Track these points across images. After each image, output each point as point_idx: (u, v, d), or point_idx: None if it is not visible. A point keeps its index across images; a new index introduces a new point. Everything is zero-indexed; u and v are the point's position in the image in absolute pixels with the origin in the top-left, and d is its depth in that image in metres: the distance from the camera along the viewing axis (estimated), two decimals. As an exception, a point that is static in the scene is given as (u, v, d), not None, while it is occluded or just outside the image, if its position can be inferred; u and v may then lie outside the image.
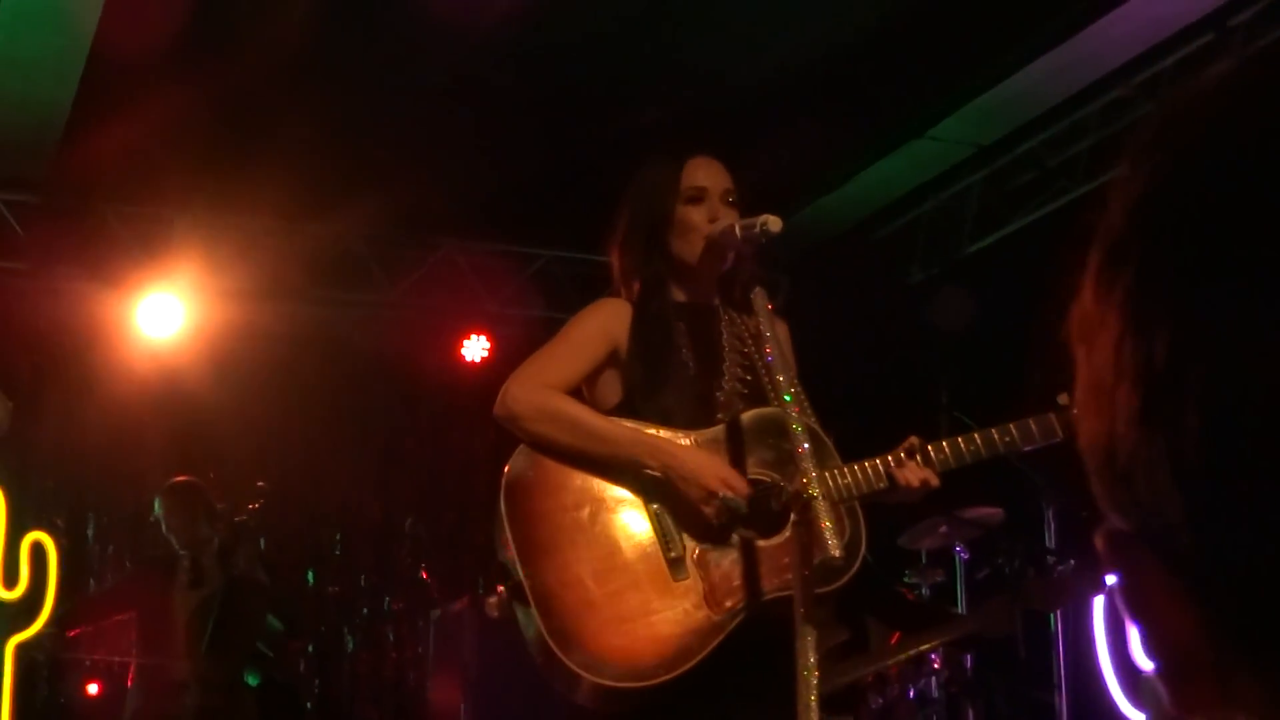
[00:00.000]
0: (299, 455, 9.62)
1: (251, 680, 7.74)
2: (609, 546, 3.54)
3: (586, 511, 3.58)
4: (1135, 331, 0.71)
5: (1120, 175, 0.75)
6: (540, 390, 3.66)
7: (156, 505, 7.88)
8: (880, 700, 6.90)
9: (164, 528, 7.81)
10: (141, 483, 9.42)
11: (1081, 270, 0.77)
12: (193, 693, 7.39)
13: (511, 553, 3.53)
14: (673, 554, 3.54)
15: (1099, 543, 0.75)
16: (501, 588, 3.56)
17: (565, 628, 3.44)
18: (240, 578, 7.72)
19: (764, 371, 3.73)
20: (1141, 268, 0.71)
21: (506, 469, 3.64)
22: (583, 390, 3.78)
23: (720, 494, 3.49)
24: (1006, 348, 8.20)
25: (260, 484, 7.90)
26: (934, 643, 6.64)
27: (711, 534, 3.56)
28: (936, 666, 7.05)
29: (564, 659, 3.40)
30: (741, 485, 3.52)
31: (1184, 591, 0.70)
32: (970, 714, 7.28)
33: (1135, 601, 0.74)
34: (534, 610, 3.46)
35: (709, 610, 3.49)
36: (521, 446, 3.67)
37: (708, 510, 3.50)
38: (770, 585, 3.49)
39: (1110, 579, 0.75)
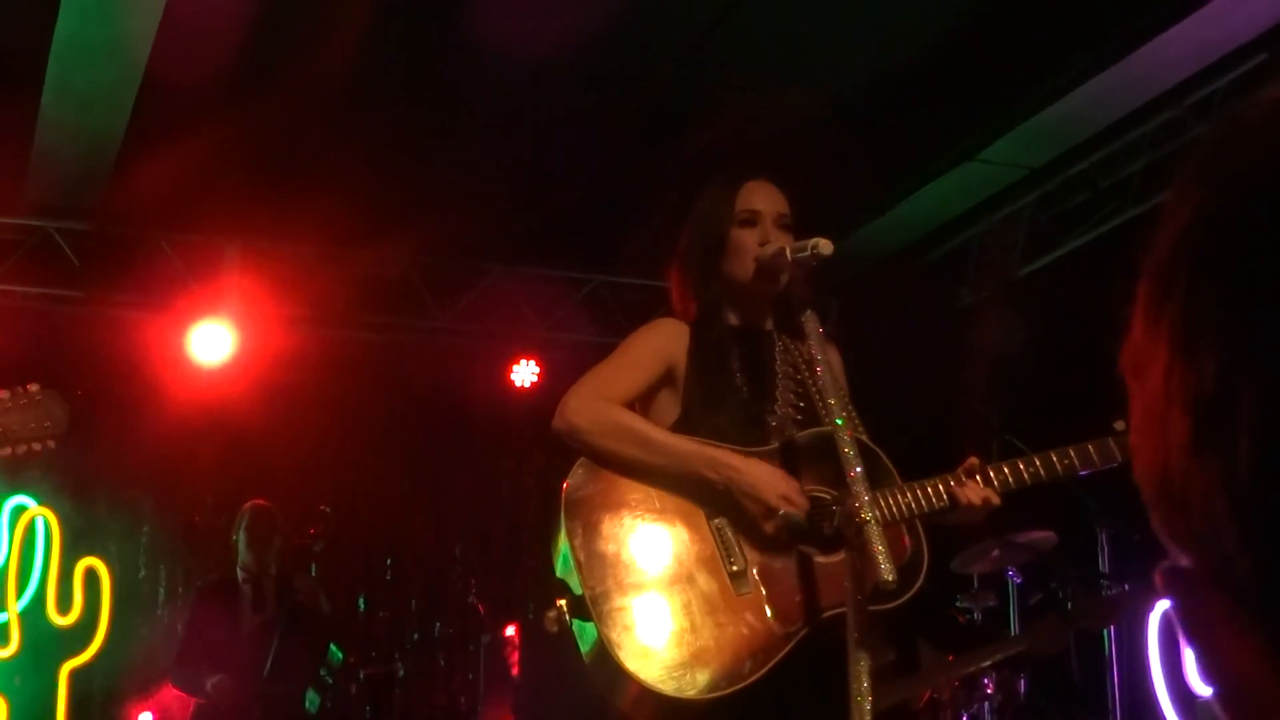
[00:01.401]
0: (349, 481, 9.66)
1: (311, 704, 7.76)
2: (672, 559, 3.54)
3: (648, 524, 3.58)
4: (1185, 358, 0.70)
5: (1165, 206, 0.75)
6: (600, 403, 3.67)
7: (241, 523, 7.93)
8: (933, 727, 6.85)
9: (242, 543, 7.85)
10: (194, 509, 9.49)
11: (1131, 301, 0.76)
12: (254, 716, 7.42)
13: (573, 566, 3.52)
14: (735, 567, 3.54)
15: (1158, 579, 0.73)
16: (561, 601, 3.52)
17: (628, 640, 3.43)
18: (304, 606, 7.75)
19: (817, 394, 3.73)
20: (1189, 295, 0.71)
21: (566, 483, 3.64)
22: (636, 407, 3.78)
23: (780, 509, 3.49)
24: (1058, 371, 8.18)
25: (324, 509, 7.93)
26: (984, 662, 6.60)
27: (772, 548, 3.56)
28: (990, 691, 6.99)
29: (628, 670, 3.39)
30: (801, 500, 3.52)
31: (1247, 624, 0.69)
32: (1024, 740, 7.22)
33: (1197, 635, 0.72)
34: (596, 623, 3.44)
35: (772, 624, 3.48)
36: (581, 460, 3.67)
37: (767, 525, 3.50)
38: (830, 601, 3.48)
39: (1167, 607, 0.73)
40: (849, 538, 3.22)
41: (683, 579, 3.52)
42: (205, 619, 7.90)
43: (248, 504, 8.06)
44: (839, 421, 3.37)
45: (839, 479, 3.43)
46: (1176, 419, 0.70)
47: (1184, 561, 0.72)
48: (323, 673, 7.92)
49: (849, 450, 3.29)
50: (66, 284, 9.10)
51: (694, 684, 3.40)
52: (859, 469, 3.26)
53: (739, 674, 3.42)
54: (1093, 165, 8.60)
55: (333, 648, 7.98)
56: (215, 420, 9.31)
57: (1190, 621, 0.73)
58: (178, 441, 9.30)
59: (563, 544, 3.57)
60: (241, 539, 7.90)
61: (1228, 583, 0.69)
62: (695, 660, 3.42)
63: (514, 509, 10.25)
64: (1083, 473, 3.70)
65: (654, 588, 3.50)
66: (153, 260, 9.21)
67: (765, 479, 3.54)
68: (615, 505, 3.61)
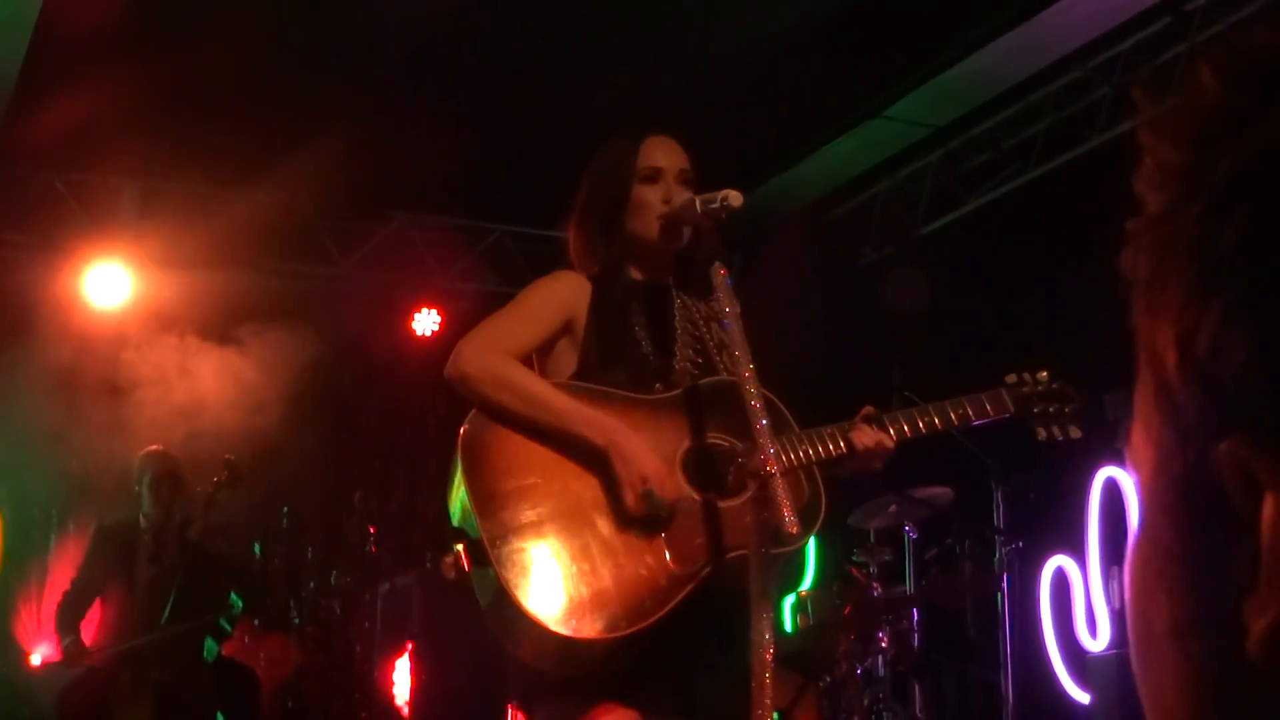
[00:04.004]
0: (246, 427, 9.55)
1: (209, 653, 7.71)
2: (569, 502, 3.51)
3: (546, 469, 3.55)
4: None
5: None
6: (493, 354, 3.64)
7: (145, 473, 7.84)
8: (828, 678, 6.92)
9: (147, 494, 7.77)
10: (87, 452, 9.34)
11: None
12: (153, 664, 7.36)
13: (470, 510, 3.49)
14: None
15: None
16: (459, 546, 3.49)
17: (526, 582, 3.40)
18: (205, 554, 7.68)
19: (715, 349, 3.75)
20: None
21: (464, 429, 3.60)
22: (533, 359, 3.76)
23: (647, 487, 3.47)
24: (958, 328, 8.25)
25: (228, 456, 7.87)
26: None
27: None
28: (885, 645, 7.07)
29: (526, 611, 3.35)
30: (669, 488, 3.50)
31: None
32: (917, 692, 7.31)
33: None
34: (494, 566, 3.41)
35: (670, 566, 3.46)
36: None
37: (629, 498, 3.47)
38: (729, 544, 3.48)
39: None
40: (754, 489, 3.22)
41: (581, 522, 3.50)
42: (100, 562, 7.83)
43: (148, 451, 7.97)
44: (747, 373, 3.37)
45: (741, 427, 3.43)
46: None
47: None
48: (222, 621, 7.86)
49: (755, 402, 3.29)
50: (-42, 224, 8.93)
51: (592, 625, 3.38)
52: (765, 421, 3.26)
53: (638, 614, 3.40)
54: (996, 125, 8.66)
55: (233, 596, 7.93)
56: (111, 363, 9.18)
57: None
58: (73, 384, 9.16)
59: (460, 489, 3.54)
60: (146, 489, 7.81)
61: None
62: (593, 601, 3.40)
63: (414, 458, 10.20)
64: (976, 422, 3.81)
65: (552, 531, 3.48)
66: (48, 201, 9.05)
67: (643, 454, 3.52)
68: (513, 450, 3.58)
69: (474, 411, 3.63)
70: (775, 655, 3.18)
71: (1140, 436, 0.76)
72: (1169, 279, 0.71)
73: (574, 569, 3.44)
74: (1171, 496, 0.73)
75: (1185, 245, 0.71)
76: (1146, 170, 0.74)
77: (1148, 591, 0.75)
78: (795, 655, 6.86)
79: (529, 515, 3.49)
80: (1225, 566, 0.70)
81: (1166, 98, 0.75)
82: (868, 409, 3.70)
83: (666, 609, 3.42)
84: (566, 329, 3.78)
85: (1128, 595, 0.77)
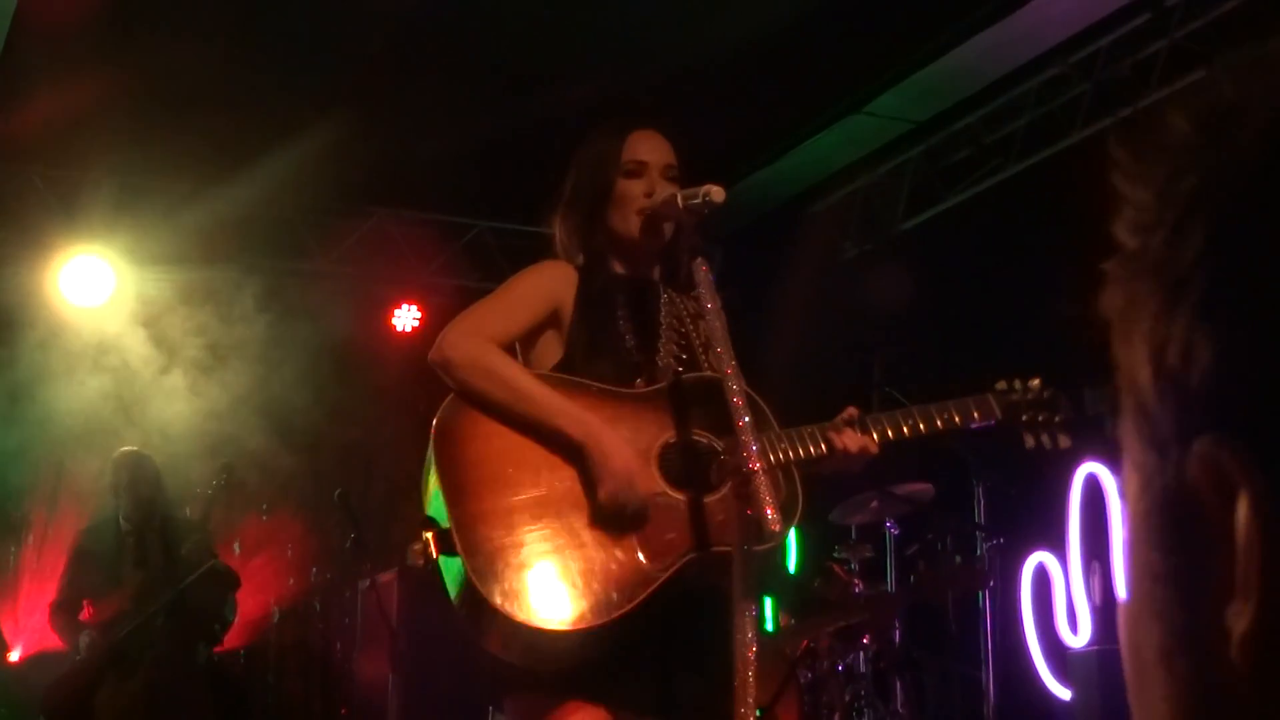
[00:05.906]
0: (226, 424, 9.52)
1: (199, 656, 7.69)
2: (541, 493, 3.48)
3: (520, 459, 3.52)
4: None
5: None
6: (477, 341, 3.61)
7: (120, 475, 7.77)
8: (809, 675, 6.92)
9: (124, 495, 7.71)
10: (66, 452, 9.31)
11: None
12: (142, 665, 7.32)
13: (441, 499, 3.46)
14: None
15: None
16: (428, 534, 3.46)
17: (493, 570, 3.36)
18: (204, 565, 7.64)
19: (701, 347, 3.73)
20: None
21: (437, 418, 3.58)
22: (516, 347, 3.73)
23: (619, 483, 3.44)
24: (939, 324, 8.25)
25: (224, 460, 7.85)
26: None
27: (645, 487, 3.52)
28: (866, 641, 7.07)
29: (490, 600, 3.32)
30: (641, 485, 3.48)
31: None
32: (898, 689, 7.31)
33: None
34: (461, 555, 3.38)
35: (642, 561, 3.44)
36: (453, 395, 3.62)
37: (601, 493, 3.45)
38: (704, 540, 3.46)
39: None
40: (736, 487, 3.20)
41: (552, 513, 3.47)
42: (86, 565, 7.78)
43: (122, 452, 7.91)
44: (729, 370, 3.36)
45: (722, 424, 3.41)
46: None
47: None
48: (216, 627, 7.84)
49: (738, 400, 3.27)
50: (-65, 220, 8.89)
51: (558, 617, 3.35)
52: (748, 418, 3.24)
53: (605, 608, 3.37)
54: (977, 121, 8.66)
55: (229, 602, 7.91)
56: (90, 359, 9.15)
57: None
58: (50, 381, 9.13)
59: (432, 477, 3.52)
60: (123, 490, 7.75)
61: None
62: (560, 593, 3.37)
63: (394, 454, 10.17)
64: (963, 428, 3.73)
65: (522, 521, 3.45)
66: (27, 196, 9.01)
67: (618, 455, 3.48)
68: (487, 438, 3.55)
69: (449, 399, 3.61)
70: (758, 651, 3.17)
71: (1127, 471, 0.76)
72: (1140, 304, 0.72)
73: (542, 560, 3.41)
74: (1155, 518, 0.74)
75: (1153, 267, 0.72)
76: (1124, 218, 0.75)
77: (1138, 619, 0.76)
78: (777, 652, 6.86)
79: (499, 505, 3.46)
80: (1207, 580, 0.70)
81: (1141, 114, 0.76)
82: (851, 410, 3.65)
83: (635, 603, 3.39)
84: (552, 319, 3.75)
85: (1121, 631, 0.78)
